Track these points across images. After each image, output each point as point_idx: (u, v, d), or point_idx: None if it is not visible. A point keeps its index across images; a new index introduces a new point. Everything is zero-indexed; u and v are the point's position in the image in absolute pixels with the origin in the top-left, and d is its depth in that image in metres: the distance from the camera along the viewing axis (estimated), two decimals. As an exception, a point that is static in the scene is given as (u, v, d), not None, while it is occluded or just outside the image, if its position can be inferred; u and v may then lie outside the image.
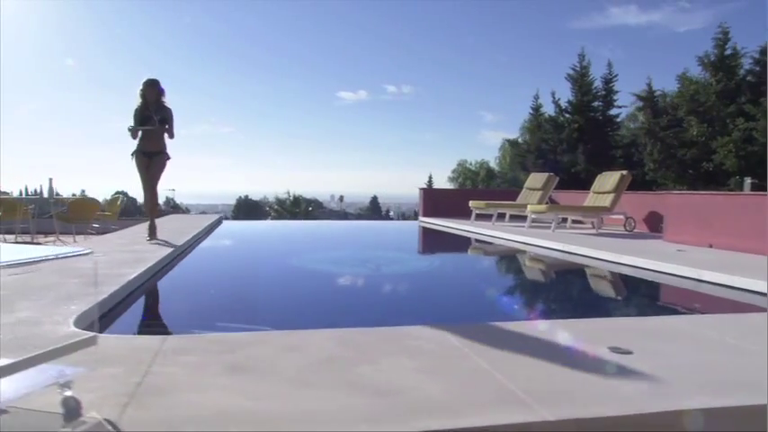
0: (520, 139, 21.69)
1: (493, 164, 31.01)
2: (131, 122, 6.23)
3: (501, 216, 10.90)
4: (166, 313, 3.98)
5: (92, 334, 1.79)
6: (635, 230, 9.55)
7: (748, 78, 13.47)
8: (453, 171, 38.08)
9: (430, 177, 41.28)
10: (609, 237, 8.24)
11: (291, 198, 34.27)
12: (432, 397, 1.93)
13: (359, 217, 49.07)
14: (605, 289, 5.65)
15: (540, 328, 3.02)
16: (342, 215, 51.63)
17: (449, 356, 2.38)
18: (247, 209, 44.55)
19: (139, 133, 6.20)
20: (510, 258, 7.77)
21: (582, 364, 2.29)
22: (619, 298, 5.24)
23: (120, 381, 2.02)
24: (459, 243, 9.39)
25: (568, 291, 5.68)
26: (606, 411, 1.82)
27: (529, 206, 9.64)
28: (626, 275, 5.57)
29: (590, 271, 6.11)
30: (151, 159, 6.26)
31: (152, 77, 6.34)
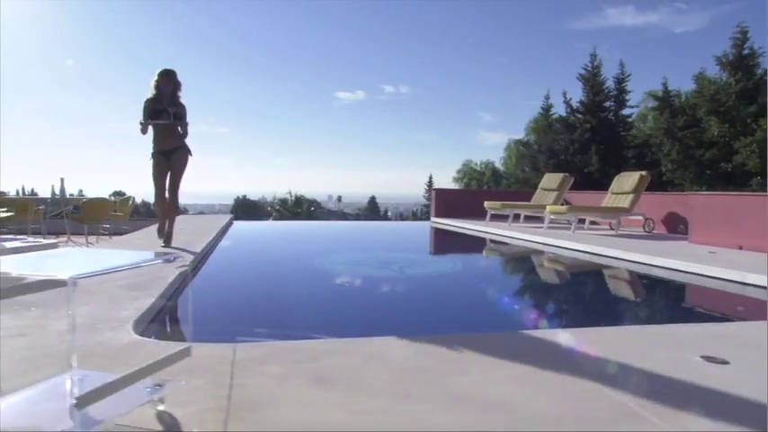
0: (525, 139, 21.59)
1: (498, 164, 31.01)
2: (134, 120, 5.68)
3: (515, 217, 10.82)
4: (214, 320, 3.86)
5: (186, 345, 1.68)
6: (653, 231, 9.48)
7: (765, 78, 13.42)
8: (458, 171, 37.98)
9: (430, 178, 41.20)
10: (631, 238, 8.16)
11: (293, 198, 34.12)
12: (542, 411, 1.82)
13: (357, 217, 48.73)
14: (656, 293, 5.49)
15: (619, 334, 2.92)
16: (340, 215, 51.48)
17: (541, 365, 2.27)
18: (246, 209, 44.38)
19: (150, 129, 5.69)
20: (544, 262, 7.45)
21: (680, 374, 2.19)
22: (669, 302, 5.13)
23: (208, 394, 1.90)
24: (485, 245, 9.18)
25: (621, 295, 5.47)
26: (731, 428, 1.72)
27: (548, 207, 9.55)
28: (669, 279, 5.42)
29: (630, 275, 5.88)
30: (170, 158, 5.76)
31: (168, 68, 5.81)
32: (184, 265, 4.62)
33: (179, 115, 5.74)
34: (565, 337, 2.74)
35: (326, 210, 54.03)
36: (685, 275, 5.32)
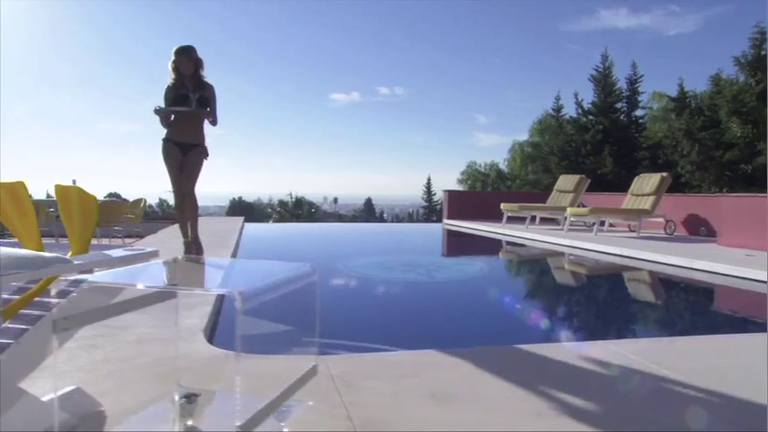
0: (534, 141, 21.50)
1: (502, 165, 30.89)
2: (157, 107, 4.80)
3: (530, 219, 10.72)
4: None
5: (313, 363, 1.54)
6: (674, 233, 9.40)
7: None
8: (462, 173, 37.85)
9: (429, 180, 41.02)
10: (655, 240, 8.07)
11: (293, 200, 33.90)
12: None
13: (353, 219, 48.41)
14: (709, 300, 5.33)
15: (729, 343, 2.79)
16: (336, 217, 51.24)
17: (660, 377, 2.14)
18: (241, 210, 44.04)
19: (171, 118, 4.88)
20: (583, 268, 7.01)
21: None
22: (731, 309, 4.99)
23: (326, 414, 1.76)
24: (518, 249, 8.84)
25: (683, 301, 5.31)
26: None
27: (569, 209, 9.45)
28: (717, 284, 5.29)
29: (677, 279, 5.71)
30: (185, 155, 4.85)
31: (185, 44, 4.91)
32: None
33: (205, 101, 4.89)
34: (666, 345, 2.61)
35: (323, 211, 53.79)
36: (729, 279, 5.22)
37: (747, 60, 13.61)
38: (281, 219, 31.14)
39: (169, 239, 6.96)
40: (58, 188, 1.66)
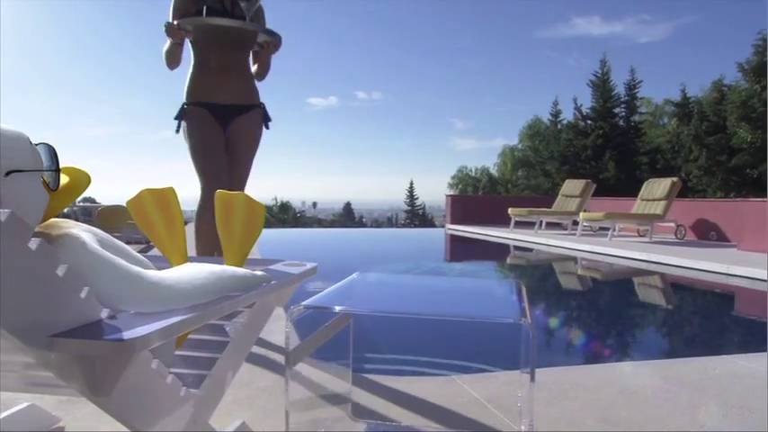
0: (520, 146, 21.62)
1: (492, 170, 30.99)
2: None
3: (534, 224, 10.63)
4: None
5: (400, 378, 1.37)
6: (684, 238, 9.45)
7: None
8: (453, 177, 37.93)
9: (411, 184, 41.04)
10: (671, 245, 8.08)
11: (279, 204, 33.49)
12: None
13: (333, 224, 47.88)
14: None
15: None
16: (316, 222, 50.78)
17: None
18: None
19: (188, 53, 2.76)
20: (634, 278, 6.49)
21: None
22: None
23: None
24: (546, 256, 8.45)
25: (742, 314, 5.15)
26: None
27: (582, 214, 9.43)
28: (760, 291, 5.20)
29: (729, 288, 5.51)
30: (227, 124, 2.73)
31: None
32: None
33: (260, 19, 2.77)
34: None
35: (305, 216, 53.32)
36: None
37: (752, 66, 13.89)
38: (267, 224, 30.54)
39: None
40: (222, 195, 1.45)
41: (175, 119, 2.71)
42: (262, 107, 2.84)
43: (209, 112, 2.69)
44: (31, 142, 0.94)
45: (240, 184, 2.75)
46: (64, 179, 1.13)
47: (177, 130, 2.73)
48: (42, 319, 0.73)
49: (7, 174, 0.86)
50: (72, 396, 1.17)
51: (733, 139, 13.49)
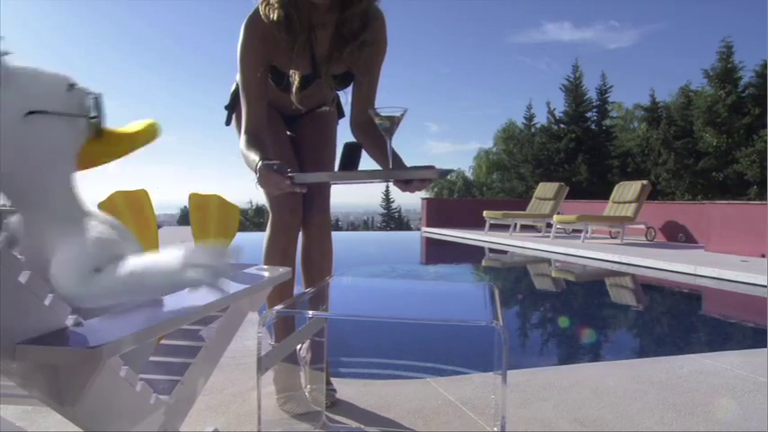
0: (495, 149, 21.84)
1: (467, 173, 31.19)
2: None
3: (509, 226, 10.76)
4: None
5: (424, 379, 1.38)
6: (654, 240, 9.66)
7: (749, 91, 14.07)
8: (428, 180, 37.79)
9: (387, 187, 40.98)
10: (642, 246, 8.24)
11: (254, 208, 33.11)
12: None
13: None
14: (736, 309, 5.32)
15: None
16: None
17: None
18: (195, 219, 42.49)
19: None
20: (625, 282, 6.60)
21: None
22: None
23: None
24: (520, 258, 8.61)
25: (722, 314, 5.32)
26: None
27: (556, 217, 9.56)
28: (729, 291, 5.34)
29: (694, 289, 5.73)
30: (295, 121, 2.08)
31: None
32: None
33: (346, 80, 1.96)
34: None
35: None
36: (736, 285, 5.32)
37: (716, 73, 14.31)
38: (242, 228, 30.22)
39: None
40: (195, 197, 1.44)
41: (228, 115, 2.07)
42: (336, 97, 2.24)
43: (281, 113, 2.07)
44: (71, 87, 0.95)
45: (323, 201, 2.12)
46: (125, 128, 1.11)
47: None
48: (4, 326, 0.71)
49: (28, 114, 0.86)
50: (37, 405, 1.13)
51: (699, 144, 13.90)
